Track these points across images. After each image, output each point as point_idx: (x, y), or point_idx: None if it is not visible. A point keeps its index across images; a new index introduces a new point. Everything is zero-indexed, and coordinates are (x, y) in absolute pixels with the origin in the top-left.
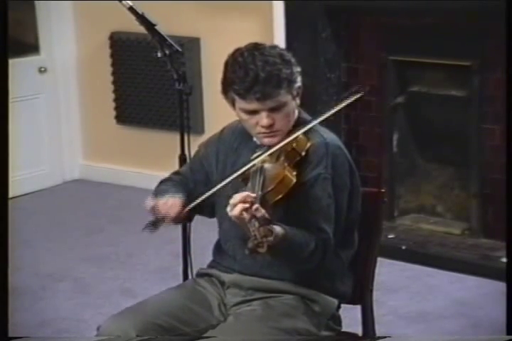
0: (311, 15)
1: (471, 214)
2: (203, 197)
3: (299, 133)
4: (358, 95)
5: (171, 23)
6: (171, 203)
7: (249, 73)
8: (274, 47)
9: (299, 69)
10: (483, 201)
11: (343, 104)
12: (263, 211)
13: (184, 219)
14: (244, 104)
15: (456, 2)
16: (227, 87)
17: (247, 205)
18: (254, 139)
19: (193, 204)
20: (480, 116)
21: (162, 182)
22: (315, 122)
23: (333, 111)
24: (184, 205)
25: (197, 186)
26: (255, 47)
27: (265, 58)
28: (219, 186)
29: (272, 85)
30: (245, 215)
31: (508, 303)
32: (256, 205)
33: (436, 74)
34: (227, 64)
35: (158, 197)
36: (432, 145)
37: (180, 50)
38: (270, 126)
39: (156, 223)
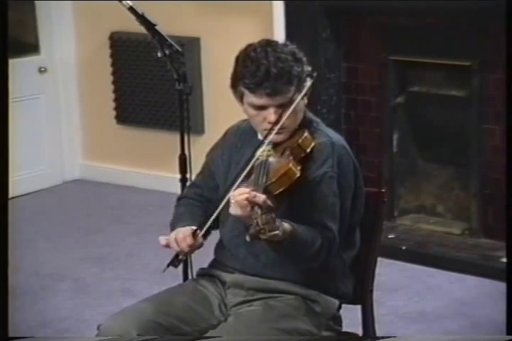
0: (311, 15)
1: (471, 214)
2: (213, 216)
3: (284, 117)
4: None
5: (171, 23)
6: (182, 236)
7: (261, 68)
8: (287, 44)
9: (309, 68)
10: (483, 201)
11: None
12: (263, 197)
13: (202, 243)
14: (254, 98)
15: (456, 2)
16: (238, 81)
17: (246, 195)
18: (259, 136)
19: (204, 230)
20: (480, 116)
21: (179, 200)
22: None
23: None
24: (196, 231)
25: (212, 193)
26: (268, 44)
27: (277, 55)
28: (225, 200)
29: (282, 81)
30: (245, 203)
31: (508, 303)
32: (253, 193)
33: (436, 74)
34: (238, 59)
35: (174, 226)
36: (432, 145)
37: (180, 50)
38: (277, 123)
39: (176, 259)
